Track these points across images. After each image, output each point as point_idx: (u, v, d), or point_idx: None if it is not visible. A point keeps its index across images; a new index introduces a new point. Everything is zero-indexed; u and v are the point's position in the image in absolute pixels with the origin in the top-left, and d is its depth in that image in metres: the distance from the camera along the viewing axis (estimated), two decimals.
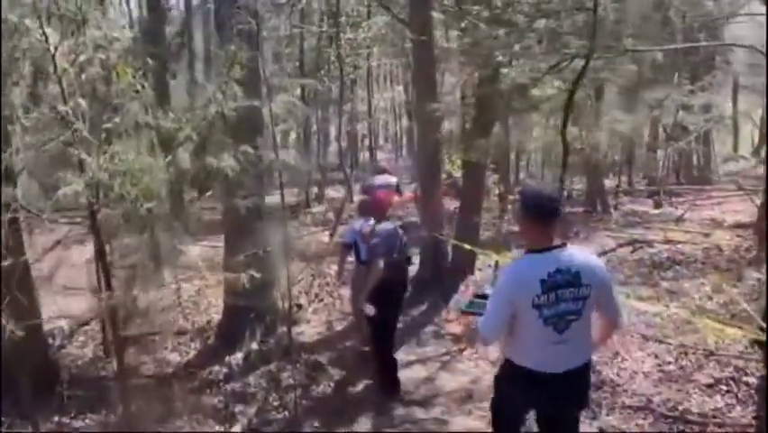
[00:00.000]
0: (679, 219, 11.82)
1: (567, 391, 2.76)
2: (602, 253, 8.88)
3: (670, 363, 5.15)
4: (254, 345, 6.04)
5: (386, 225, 5.20)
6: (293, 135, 20.49)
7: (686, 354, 5.22)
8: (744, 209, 12.69)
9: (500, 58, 6.49)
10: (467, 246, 7.04)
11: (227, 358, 5.93)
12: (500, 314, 2.66)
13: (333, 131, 41.17)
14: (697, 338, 5.45)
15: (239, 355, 5.96)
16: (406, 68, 19.06)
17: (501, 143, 5.99)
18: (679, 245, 9.28)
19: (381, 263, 4.87)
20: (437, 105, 6.31)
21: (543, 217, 2.67)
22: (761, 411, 3.86)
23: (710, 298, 6.68)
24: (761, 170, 19.57)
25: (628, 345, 5.56)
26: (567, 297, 2.62)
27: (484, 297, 3.06)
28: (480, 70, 6.72)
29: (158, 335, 6.88)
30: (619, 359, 5.32)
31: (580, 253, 2.77)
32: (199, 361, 6.06)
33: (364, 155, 27.72)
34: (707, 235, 9.89)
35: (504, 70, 6.27)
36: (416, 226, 8.35)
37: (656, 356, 5.31)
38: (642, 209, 13.71)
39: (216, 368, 5.79)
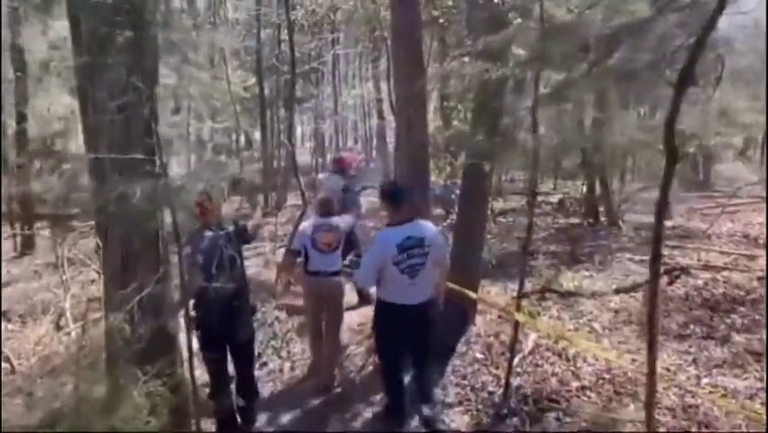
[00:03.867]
0: (704, 235, 9.94)
1: (421, 317, 4.06)
2: (635, 287, 6.87)
3: None
4: None
5: (208, 233, 4.07)
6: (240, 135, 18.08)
7: None
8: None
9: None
10: (470, 295, 4.94)
11: None
12: (371, 269, 3.99)
13: (299, 130, 38.86)
14: None
15: None
16: (376, 61, 16.99)
17: (531, 147, 3.83)
18: (723, 273, 7.34)
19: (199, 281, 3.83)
20: (427, 79, 4.20)
21: (396, 203, 4.06)
22: None
23: None
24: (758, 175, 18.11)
25: None
26: (415, 254, 3.94)
27: (359, 256, 4.92)
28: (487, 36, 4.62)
29: None
30: None
31: (424, 225, 4.08)
32: None
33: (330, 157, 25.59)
34: (751, 258, 7.98)
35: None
36: None
37: None
38: (650, 221, 11.78)
39: None
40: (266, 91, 16.32)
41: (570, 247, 9.19)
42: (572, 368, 4.85)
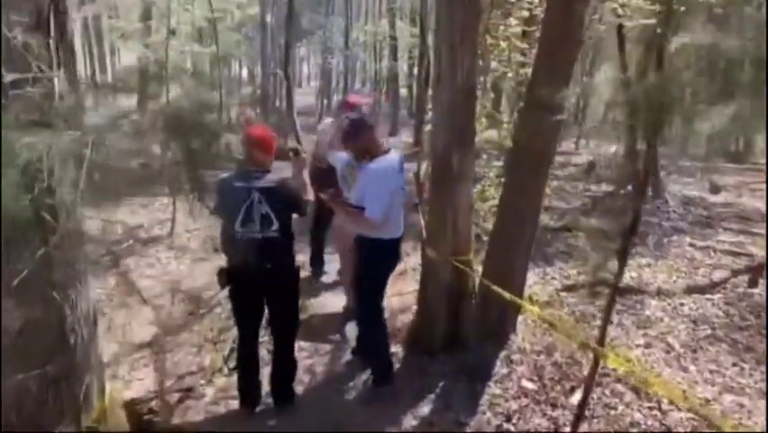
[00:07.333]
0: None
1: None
2: (714, 286, 5.48)
3: None
4: None
5: (238, 183, 3.36)
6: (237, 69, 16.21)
7: None
8: None
9: None
10: (516, 301, 3.53)
11: None
12: (385, 199, 3.39)
13: (305, 69, 36.74)
14: None
15: None
16: None
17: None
18: None
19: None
20: None
21: (374, 132, 3.59)
22: None
23: None
24: None
25: None
26: (399, 181, 3.62)
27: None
28: None
29: None
30: None
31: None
32: None
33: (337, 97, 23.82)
34: None
35: None
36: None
37: None
38: (694, 194, 10.31)
39: None
40: (269, 18, 14.53)
41: (616, 223, 7.77)
42: (656, 412, 3.50)
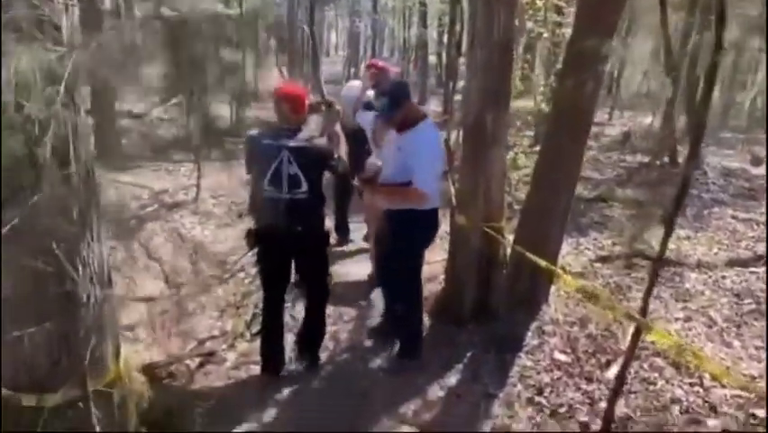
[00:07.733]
0: None
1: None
2: (756, 259, 5.21)
3: None
4: None
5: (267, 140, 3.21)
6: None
7: None
8: None
9: None
10: (551, 268, 3.36)
11: None
12: (434, 170, 3.30)
13: (333, 38, 36.30)
14: None
15: None
16: None
17: None
18: None
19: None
20: None
21: (410, 96, 3.41)
22: None
23: None
24: None
25: None
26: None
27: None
28: None
29: None
30: None
31: None
32: None
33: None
34: None
35: None
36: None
37: None
38: (735, 166, 9.86)
39: None
40: None
41: (652, 195, 7.47)
42: (699, 388, 3.31)
